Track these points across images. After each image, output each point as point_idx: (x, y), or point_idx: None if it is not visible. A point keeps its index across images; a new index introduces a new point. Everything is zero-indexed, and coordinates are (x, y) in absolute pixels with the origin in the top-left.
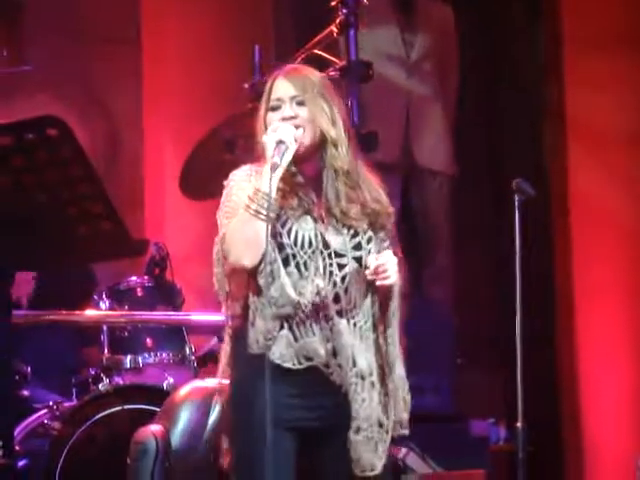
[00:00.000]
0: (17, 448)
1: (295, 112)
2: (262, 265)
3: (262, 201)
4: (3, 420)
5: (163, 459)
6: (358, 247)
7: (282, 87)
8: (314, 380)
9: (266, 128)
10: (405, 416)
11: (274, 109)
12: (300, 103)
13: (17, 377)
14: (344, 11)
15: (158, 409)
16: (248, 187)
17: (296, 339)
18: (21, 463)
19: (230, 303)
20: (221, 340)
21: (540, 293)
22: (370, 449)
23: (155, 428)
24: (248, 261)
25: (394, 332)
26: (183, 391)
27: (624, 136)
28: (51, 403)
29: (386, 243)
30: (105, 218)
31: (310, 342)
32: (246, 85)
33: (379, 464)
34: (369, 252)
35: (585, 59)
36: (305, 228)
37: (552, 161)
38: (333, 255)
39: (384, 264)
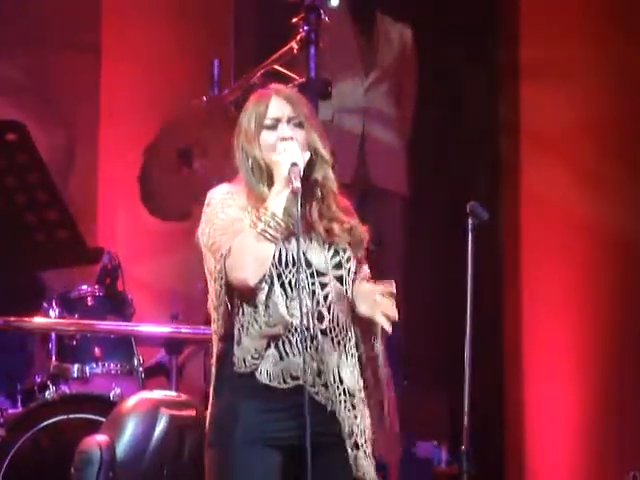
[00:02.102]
0: None
1: (292, 133)
2: (261, 284)
3: (272, 222)
4: None
5: (107, 469)
6: (338, 266)
7: (279, 107)
8: (300, 399)
9: (260, 147)
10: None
11: (269, 128)
12: (297, 124)
13: None
14: (305, 28)
15: (104, 419)
16: (233, 205)
17: (282, 358)
18: None
19: (220, 323)
20: (171, 353)
21: (488, 317)
22: (370, 463)
23: (100, 438)
24: (252, 280)
25: (379, 352)
26: (130, 402)
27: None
28: None
29: (364, 265)
30: (61, 226)
31: (295, 361)
32: (204, 98)
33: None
34: (349, 271)
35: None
36: (289, 247)
37: (507, 178)
38: (315, 274)
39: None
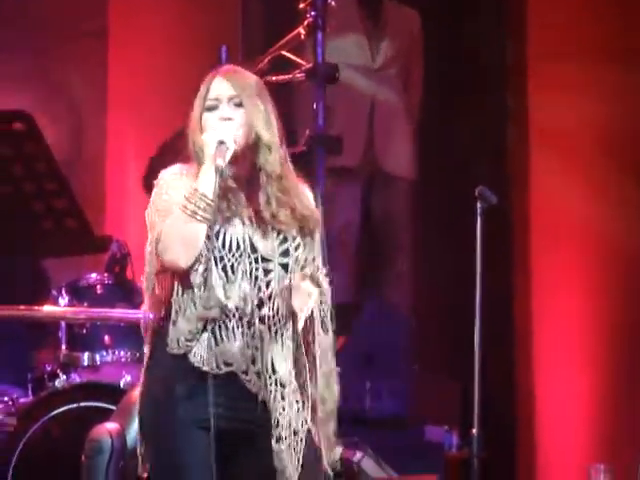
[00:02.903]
0: None
1: (232, 113)
2: (195, 265)
3: (200, 202)
4: None
5: (118, 457)
6: (286, 253)
7: (220, 87)
8: (232, 386)
9: (201, 128)
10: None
11: (210, 109)
12: (237, 104)
13: None
14: (312, 13)
15: (114, 407)
16: (180, 186)
17: (217, 343)
18: None
19: (152, 303)
20: None
21: (499, 300)
22: (293, 458)
23: (111, 426)
24: (183, 262)
25: (321, 349)
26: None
27: (588, 141)
28: (6, 399)
29: (313, 253)
30: (69, 214)
31: (230, 347)
32: None
33: (296, 475)
34: (296, 259)
35: (549, 63)
36: (233, 231)
37: (515, 166)
38: (260, 260)
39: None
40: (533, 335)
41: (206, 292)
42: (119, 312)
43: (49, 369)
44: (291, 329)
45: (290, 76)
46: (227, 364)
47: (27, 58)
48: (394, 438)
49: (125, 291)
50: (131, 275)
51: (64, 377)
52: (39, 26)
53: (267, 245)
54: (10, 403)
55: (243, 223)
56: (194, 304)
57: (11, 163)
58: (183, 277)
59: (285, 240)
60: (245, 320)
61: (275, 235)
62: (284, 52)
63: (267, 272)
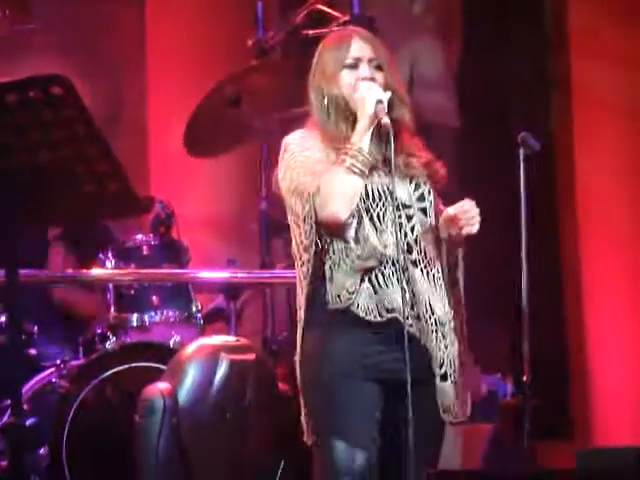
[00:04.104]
0: (25, 407)
1: (374, 73)
2: (350, 219)
3: (359, 156)
4: (11, 379)
5: (171, 416)
6: (422, 198)
7: (360, 47)
8: (394, 332)
9: (339, 86)
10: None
11: (350, 67)
12: (376, 67)
13: (24, 336)
14: None
15: (165, 367)
16: (312, 146)
17: (376, 291)
18: (29, 421)
19: (310, 262)
20: (229, 298)
21: (547, 249)
22: (460, 394)
23: (162, 386)
24: (343, 214)
25: (460, 288)
26: (190, 349)
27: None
28: (58, 362)
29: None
30: (111, 177)
31: (390, 293)
32: (250, 42)
33: (468, 409)
34: (431, 203)
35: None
36: (373, 181)
37: (558, 120)
38: (400, 207)
39: (470, 210)
40: (582, 280)
41: (362, 244)
42: (166, 272)
43: (99, 331)
44: (441, 269)
45: (327, 30)
46: (389, 310)
47: (64, 26)
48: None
49: (171, 251)
50: (176, 235)
51: (114, 339)
52: None
53: (404, 192)
54: (62, 366)
55: (379, 173)
56: (348, 257)
57: (51, 128)
58: (336, 232)
59: (418, 186)
60: (399, 266)
61: (409, 182)
62: (320, 6)
63: (409, 218)
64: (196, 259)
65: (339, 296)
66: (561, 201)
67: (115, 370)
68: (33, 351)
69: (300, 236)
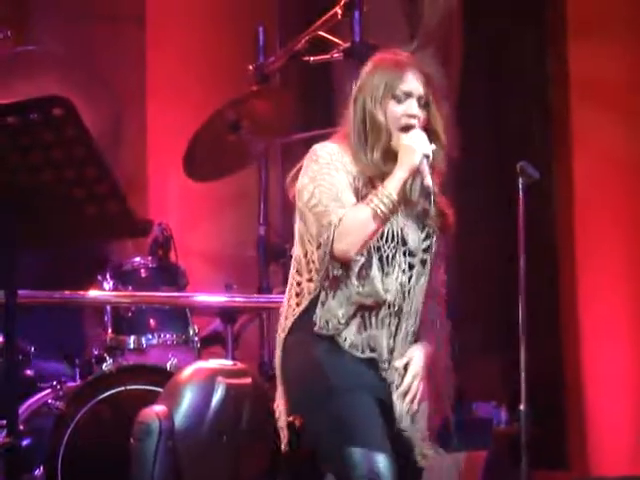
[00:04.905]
0: (21, 427)
1: (419, 112)
2: (358, 255)
3: (389, 203)
4: (7, 399)
5: (166, 439)
6: (427, 249)
7: (413, 82)
8: (371, 370)
9: (384, 113)
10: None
11: (398, 99)
12: (424, 105)
13: (21, 357)
14: None
15: (161, 390)
16: (341, 168)
17: (365, 328)
18: (25, 442)
19: (314, 284)
20: (226, 322)
21: (543, 276)
22: (423, 436)
23: (158, 408)
24: (354, 252)
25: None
26: (186, 372)
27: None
28: (55, 383)
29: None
30: (111, 199)
31: (378, 334)
32: (250, 67)
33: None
34: (435, 254)
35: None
36: (390, 222)
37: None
38: (407, 253)
39: (409, 390)
40: (579, 307)
41: (365, 282)
42: (164, 295)
43: (96, 353)
44: (417, 325)
45: (328, 56)
46: (372, 350)
47: (65, 44)
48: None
49: (169, 274)
50: (175, 258)
51: (111, 360)
52: (77, 12)
53: (415, 239)
54: (58, 387)
55: (397, 214)
56: (347, 288)
57: (51, 149)
58: (341, 262)
59: (428, 236)
60: (393, 310)
61: (421, 229)
62: (321, 32)
63: (411, 267)
64: (193, 283)
65: (328, 322)
66: (560, 228)
67: (111, 392)
68: (30, 372)
69: (307, 250)
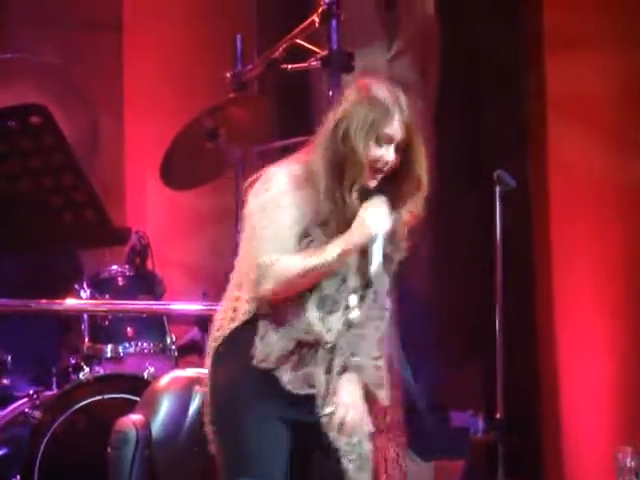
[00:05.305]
0: None
1: (395, 158)
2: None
3: (328, 264)
4: None
5: (144, 448)
6: (367, 285)
7: (398, 127)
8: (308, 405)
9: (363, 146)
10: None
11: (379, 141)
12: (400, 149)
13: None
14: (326, 0)
15: (138, 398)
16: (294, 204)
17: (304, 365)
18: (1, 452)
19: (251, 305)
20: (203, 330)
21: (520, 283)
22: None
23: (136, 417)
24: (279, 297)
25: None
26: (164, 381)
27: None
28: (31, 392)
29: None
30: (88, 207)
31: (317, 372)
32: (228, 75)
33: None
34: (374, 293)
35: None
36: None
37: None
38: (349, 291)
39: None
40: (555, 316)
41: (305, 321)
42: (141, 304)
43: (73, 362)
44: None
45: (305, 64)
46: (310, 386)
47: (42, 53)
48: (419, 424)
49: (146, 282)
50: (152, 266)
51: (88, 369)
52: (54, 21)
53: (358, 277)
54: (35, 396)
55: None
56: (287, 324)
57: (29, 157)
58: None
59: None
60: (329, 348)
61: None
62: (299, 40)
63: (356, 302)
64: (170, 291)
65: (267, 355)
66: (536, 236)
67: (88, 401)
68: (6, 381)
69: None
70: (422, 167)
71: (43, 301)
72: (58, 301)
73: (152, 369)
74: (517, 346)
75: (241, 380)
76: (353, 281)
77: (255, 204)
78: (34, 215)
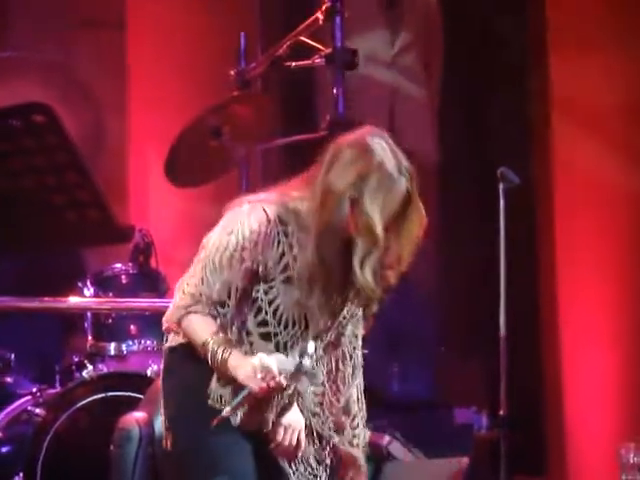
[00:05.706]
0: (0, 435)
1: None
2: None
3: (218, 361)
4: None
5: (147, 446)
6: (328, 330)
7: (403, 199)
8: (261, 442)
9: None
10: None
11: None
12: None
13: (0, 364)
14: None
15: (142, 396)
16: (248, 258)
17: (258, 408)
18: (4, 449)
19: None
20: None
21: (524, 280)
22: None
23: (139, 415)
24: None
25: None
26: None
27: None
28: (35, 390)
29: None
30: (92, 205)
31: (270, 417)
32: (232, 72)
33: None
34: (338, 337)
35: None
36: (289, 305)
37: (537, 145)
38: (307, 337)
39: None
40: (559, 313)
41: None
42: (144, 301)
43: (76, 360)
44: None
45: (309, 62)
46: (259, 429)
47: (45, 51)
48: (422, 421)
49: (150, 280)
50: (155, 264)
51: (91, 367)
52: (57, 19)
53: (320, 323)
54: (38, 394)
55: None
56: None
57: (32, 156)
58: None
59: (335, 317)
60: (284, 393)
61: (330, 313)
62: (302, 37)
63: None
64: (174, 289)
65: (220, 398)
66: (540, 233)
67: (91, 399)
68: (9, 379)
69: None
70: (410, 240)
71: (46, 299)
72: (61, 299)
73: (155, 367)
74: (521, 343)
75: (193, 407)
76: (314, 326)
77: (216, 239)
78: (37, 213)
